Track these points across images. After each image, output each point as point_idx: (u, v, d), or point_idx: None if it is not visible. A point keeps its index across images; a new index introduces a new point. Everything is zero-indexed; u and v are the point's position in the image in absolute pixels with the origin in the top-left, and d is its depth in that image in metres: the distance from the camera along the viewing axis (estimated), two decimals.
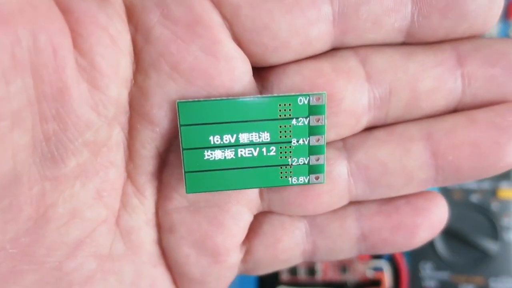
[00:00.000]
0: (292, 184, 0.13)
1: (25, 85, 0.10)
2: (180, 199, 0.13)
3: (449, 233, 0.25)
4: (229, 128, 0.12)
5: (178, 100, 0.12)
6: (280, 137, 0.12)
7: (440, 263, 0.26)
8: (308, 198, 0.13)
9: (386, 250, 0.15)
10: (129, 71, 0.12)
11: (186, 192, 0.12)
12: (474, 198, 0.26)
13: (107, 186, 0.12)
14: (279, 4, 0.11)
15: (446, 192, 0.26)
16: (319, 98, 0.12)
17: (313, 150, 0.13)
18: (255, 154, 0.12)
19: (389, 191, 0.14)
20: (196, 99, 0.12)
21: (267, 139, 0.12)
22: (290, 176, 0.13)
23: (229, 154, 0.12)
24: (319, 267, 0.27)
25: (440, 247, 0.26)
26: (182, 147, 0.12)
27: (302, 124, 0.12)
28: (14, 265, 0.11)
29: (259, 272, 0.15)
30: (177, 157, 0.13)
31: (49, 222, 0.11)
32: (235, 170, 0.12)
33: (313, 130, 0.12)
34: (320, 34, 0.12)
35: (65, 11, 0.10)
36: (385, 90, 0.13)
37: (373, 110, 0.13)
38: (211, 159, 0.12)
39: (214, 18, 0.12)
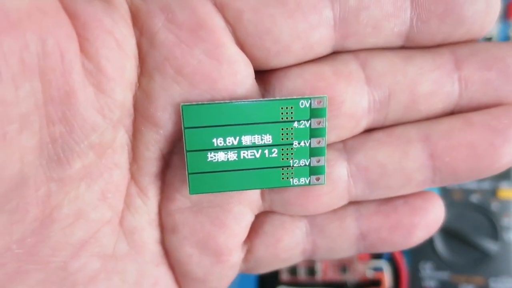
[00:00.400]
0: (293, 185, 0.13)
1: (33, 89, 0.10)
2: (183, 199, 0.13)
3: (449, 233, 0.25)
4: (232, 131, 0.12)
5: (182, 103, 0.12)
6: (282, 139, 0.13)
7: (440, 263, 0.25)
8: (308, 199, 0.14)
9: (385, 249, 0.15)
10: (134, 75, 0.12)
11: (190, 193, 0.13)
12: (474, 198, 0.26)
13: (111, 187, 0.12)
14: (281, 9, 0.12)
15: (446, 192, 0.26)
16: (320, 101, 0.12)
17: (314, 152, 0.13)
18: (257, 156, 0.13)
19: (388, 192, 0.14)
20: (200, 103, 0.12)
21: (269, 141, 0.12)
22: (292, 177, 0.13)
23: (232, 156, 0.12)
24: (319, 267, 0.27)
25: (440, 247, 0.25)
26: (186, 149, 0.12)
27: (304, 126, 0.12)
28: (20, 265, 0.11)
29: (260, 270, 0.15)
30: (180, 159, 0.13)
31: (54, 222, 0.11)
32: (238, 171, 0.13)
33: (314, 133, 0.13)
34: (321, 39, 0.12)
35: (72, 16, 0.11)
36: (384, 93, 0.13)
37: (373, 112, 0.13)
38: (214, 160, 0.12)
39: (218, 23, 0.12)
